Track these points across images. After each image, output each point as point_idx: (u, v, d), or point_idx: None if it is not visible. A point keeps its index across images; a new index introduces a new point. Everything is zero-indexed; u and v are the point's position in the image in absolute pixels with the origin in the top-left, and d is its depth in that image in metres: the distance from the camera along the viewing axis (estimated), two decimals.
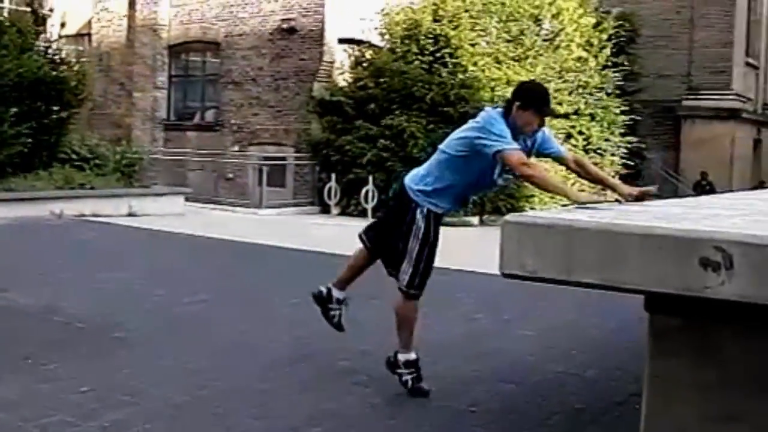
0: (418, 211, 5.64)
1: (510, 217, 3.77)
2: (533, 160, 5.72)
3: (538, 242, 3.64)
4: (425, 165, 5.85)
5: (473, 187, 6.02)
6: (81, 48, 28.48)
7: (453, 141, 5.64)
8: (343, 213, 22.03)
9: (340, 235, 17.03)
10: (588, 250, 3.56)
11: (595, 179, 5.94)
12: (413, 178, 5.78)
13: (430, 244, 5.69)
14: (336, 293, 6.28)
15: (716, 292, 3.28)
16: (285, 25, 23.85)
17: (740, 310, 3.34)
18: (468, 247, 13.00)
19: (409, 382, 5.81)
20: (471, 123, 5.57)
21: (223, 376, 6.02)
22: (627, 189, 5.41)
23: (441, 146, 5.77)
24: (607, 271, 3.53)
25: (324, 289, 6.29)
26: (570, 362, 6.79)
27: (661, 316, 3.79)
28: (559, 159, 5.87)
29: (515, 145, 5.30)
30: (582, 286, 3.63)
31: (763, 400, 3.67)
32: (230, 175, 24.77)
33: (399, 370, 5.85)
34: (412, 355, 5.84)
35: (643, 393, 3.90)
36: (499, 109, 5.52)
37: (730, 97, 28.52)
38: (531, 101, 5.45)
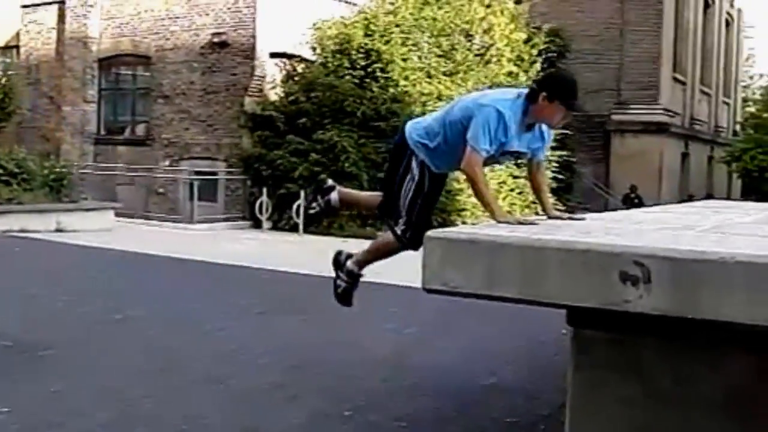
0: (414, 159, 5.45)
1: (432, 232, 3.78)
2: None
3: (460, 258, 3.66)
4: (432, 116, 5.61)
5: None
6: (9, 61, 28.10)
7: (465, 105, 5.25)
8: (275, 228, 21.93)
9: (270, 250, 17.01)
10: (510, 265, 3.59)
11: (535, 189, 5.71)
12: (416, 128, 5.53)
13: (424, 195, 5.47)
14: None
15: (635, 306, 3.32)
16: (216, 39, 23.71)
17: (661, 322, 3.38)
18: (402, 261, 12.99)
19: (341, 288, 5.96)
20: (483, 101, 5.12)
21: (151, 395, 5.94)
22: (555, 214, 5.39)
23: (455, 106, 5.40)
24: (529, 286, 3.56)
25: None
26: (499, 375, 6.82)
27: (583, 330, 3.83)
28: (532, 161, 5.49)
29: (485, 153, 4.95)
30: (505, 301, 3.65)
31: (684, 410, 3.72)
32: (161, 190, 24.54)
33: (340, 273, 5.93)
34: (360, 273, 5.91)
35: (567, 405, 3.93)
36: (520, 100, 5.06)
37: (658, 111, 28.97)
38: (559, 93, 5.03)
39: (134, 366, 6.71)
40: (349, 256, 6.02)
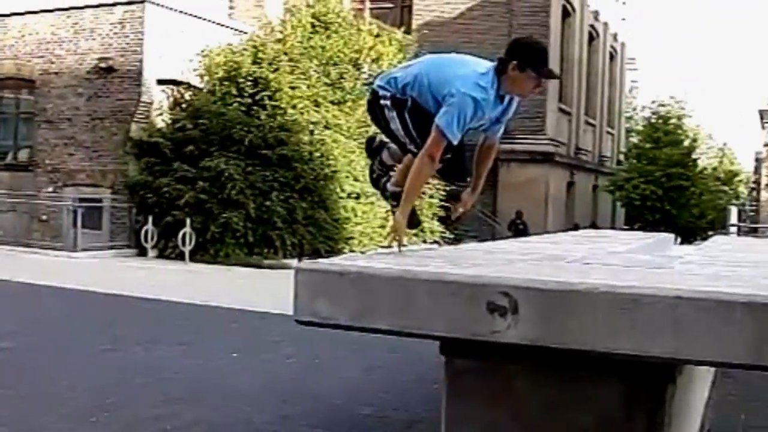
0: (386, 109, 5.06)
1: (302, 264, 3.77)
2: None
3: (331, 289, 3.66)
4: (407, 71, 5.11)
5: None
6: None
7: (441, 79, 4.80)
8: (161, 256, 21.65)
9: (155, 279, 16.78)
10: (380, 296, 3.60)
11: (478, 162, 5.30)
12: (385, 79, 5.14)
13: (410, 115, 4.98)
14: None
15: (504, 336, 3.36)
16: (102, 64, 23.36)
17: (530, 351, 3.41)
18: (288, 290, 12.95)
19: (375, 174, 5.62)
20: (460, 85, 4.68)
21: (28, 428, 5.79)
22: (467, 199, 5.37)
23: (429, 72, 4.96)
24: (399, 317, 3.57)
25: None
26: (379, 405, 6.82)
27: (455, 360, 3.85)
28: (487, 135, 5.20)
29: (450, 139, 4.62)
30: (377, 333, 3.65)
31: None
32: (44, 217, 24.03)
33: (374, 161, 5.62)
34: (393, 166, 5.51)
35: None
36: (492, 74, 4.75)
37: (544, 141, 29.48)
38: (530, 60, 4.71)
39: (11, 398, 6.53)
40: (383, 144, 5.61)
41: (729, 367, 4.21)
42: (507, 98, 4.91)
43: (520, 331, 3.33)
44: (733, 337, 3.09)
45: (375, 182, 5.66)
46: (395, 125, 5.03)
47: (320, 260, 4.02)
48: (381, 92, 5.08)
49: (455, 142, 4.68)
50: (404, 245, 4.89)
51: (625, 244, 6.59)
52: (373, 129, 19.33)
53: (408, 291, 3.54)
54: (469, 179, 5.29)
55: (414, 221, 5.09)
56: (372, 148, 5.68)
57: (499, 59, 4.77)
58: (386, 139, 5.47)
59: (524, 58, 4.69)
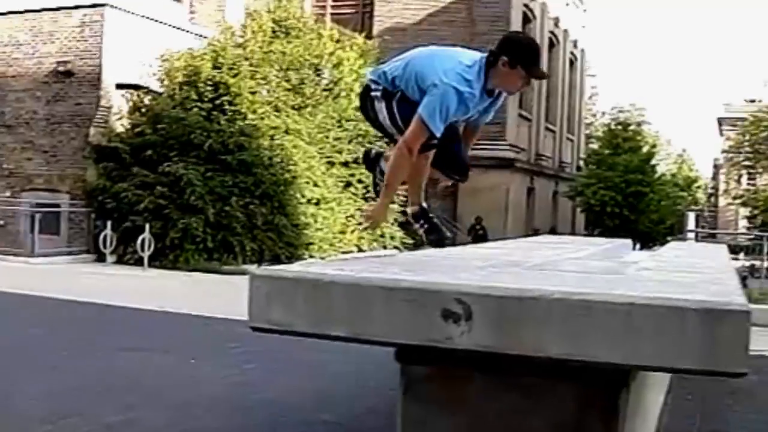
0: (376, 100, 5.05)
1: (257, 270, 3.76)
2: None
3: (287, 296, 3.65)
4: (396, 63, 5.04)
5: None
6: None
7: (425, 72, 4.75)
8: (119, 261, 21.50)
9: (113, 285, 16.66)
10: (335, 303, 3.59)
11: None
12: (376, 73, 5.12)
13: (397, 100, 4.95)
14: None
15: (457, 343, 3.36)
16: (61, 68, 23.18)
17: (485, 357, 3.42)
18: (245, 296, 12.90)
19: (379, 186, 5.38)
20: (445, 77, 4.61)
21: None
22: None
23: (419, 59, 4.93)
24: (355, 324, 3.57)
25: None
26: (339, 411, 6.79)
27: (410, 366, 3.85)
28: (469, 123, 5.18)
29: (437, 133, 4.61)
30: (332, 340, 3.64)
31: None
32: (1, 222, 23.79)
33: (376, 173, 5.47)
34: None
35: None
36: (479, 66, 4.70)
37: (505, 147, 29.58)
38: (522, 58, 4.66)
39: None
40: (379, 154, 5.58)
41: (681, 373, 4.24)
42: (496, 92, 4.89)
43: (474, 338, 3.34)
44: (685, 343, 3.12)
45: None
46: (383, 116, 5.01)
47: (275, 267, 4.01)
48: (372, 86, 5.06)
49: (438, 134, 4.63)
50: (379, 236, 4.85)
51: (582, 250, 6.63)
52: (332, 135, 19.39)
53: (363, 298, 3.53)
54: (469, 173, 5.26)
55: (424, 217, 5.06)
56: (369, 160, 5.63)
57: (490, 52, 4.72)
58: (381, 149, 5.53)
59: (515, 55, 4.64)
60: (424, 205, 5.11)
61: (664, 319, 3.12)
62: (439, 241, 4.98)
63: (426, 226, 5.01)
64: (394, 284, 3.51)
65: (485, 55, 4.74)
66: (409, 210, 5.22)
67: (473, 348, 3.37)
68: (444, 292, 3.39)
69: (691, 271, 4.75)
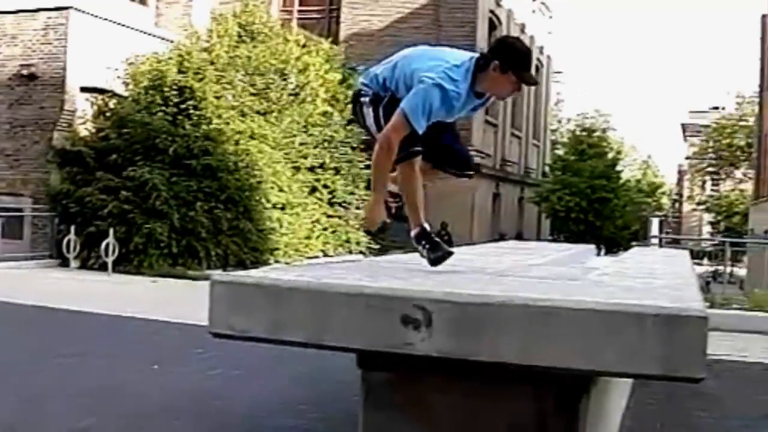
0: (364, 105, 4.98)
1: (218, 276, 3.74)
2: None
3: (246, 302, 3.63)
4: (386, 65, 5.01)
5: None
6: None
7: (413, 69, 4.69)
8: (83, 266, 21.32)
9: (77, 290, 16.55)
10: (296, 309, 3.59)
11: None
12: (369, 77, 5.07)
13: (384, 104, 4.86)
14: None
15: (418, 349, 3.37)
16: (25, 71, 22.98)
17: (445, 363, 3.42)
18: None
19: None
20: (431, 73, 4.57)
21: None
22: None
23: (407, 59, 4.89)
24: (315, 330, 3.57)
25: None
26: (302, 417, 6.77)
27: (371, 372, 3.85)
28: None
29: (419, 129, 4.53)
30: (293, 345, 3.63)
31: None
32: None
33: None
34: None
35: None
36: (468, 68, 4.64)
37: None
38: (514, 63, 4.59)
39: None
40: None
41: (641, 378, 4.27)
42: (486, 95, 4.84)
43: (434, 344, 3.34)
44: (643, 348, 3.13)
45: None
46: (370, 121, 4.95)
47: (236, 272, 4.00)
48: (363, 90, 5.01)
49: (419, 130, 4.55)
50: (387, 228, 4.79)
51: (545, 255, 6.65)
52: (297, 140, 19.36)
53: (323, 303, 3.53)
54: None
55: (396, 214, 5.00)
56: None
57: (482, 55, 4.68)
58: None
59: (507, 60, 4.58)
60: (426, 225, 4.91)
61: (622, 325, 3.14)
62: (440, 259, 4.79)
63: (427, 246, 4.86)
64: (354, 290, 3.50)
65: (476, 56, 4.71)
66: (412, 233, 4.98)
67: (434, 354, 3.38)
68: (404, 298, 3.39)
69: (651, 277, 4.78)
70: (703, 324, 3.16)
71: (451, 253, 4.68)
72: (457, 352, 3.35)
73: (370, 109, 4.94)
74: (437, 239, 4.82)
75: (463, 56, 4.75)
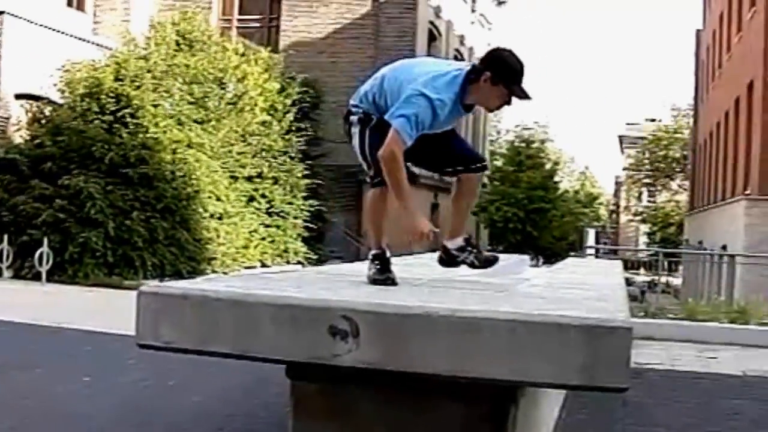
0: (353, 124, 4.91)
1: (145, 287, 3.71)
2: None
3: (173, 313, 3.61)
4: (374, 81, 4.93)
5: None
6: None
7: (400, 82, 4.65)
8: (17, 276, 20.99)
9: (8, 300, 16.29)
10: (223, 320, 3.57)
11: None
12: (358, 96, 4.98)
13: (372, 126, 4.81)
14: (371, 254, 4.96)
15: (344, 360, 3.37)
16: None
17: (373, 374, 3.42)
18: None
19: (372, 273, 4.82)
20: (416, 85, 4.52)
21: None
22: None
23: (394, 71, 4.83)
24: (242, 341, 3.55)
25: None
26: (232, 428, 6.73)
27: (300, 383, 3.84)
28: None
29: (409, 141, 4.49)
30: (221, 357, 3.61)
31: None
32: None
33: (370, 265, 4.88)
34: (382, 249, 4.91)
35: None
36: (459, 78, 4.57)
37: (408, 163, 29.70)
38: (507, 75, 4.49)
39: None
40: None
41: (565, 389, 4.30)
42: (475, 108, 4.79)
43: (361, 355, 3.34)
44: (567, 359, 3.16)
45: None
46: (355, 141, 4.91)
47: (163, 283, 3.96)
48: (354, 110, 4.95)
49: (409, 142, 4.50)
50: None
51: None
52: (236, 149, 19.22)
53: (251, 315, 3.51)
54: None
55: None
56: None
57: (473, 67, 4.61)
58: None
59: (499, 72, 4.50)
60: (385, 248, 4.89)
61: (546, 336, 3.17)
62: (381, 282, 4.51)
63: (378, 267, 4.70)
64: (281, 301, 3.49)
65: (466, 68, 4.63)
66: (371, 252, 4.90)
67: (361, 365, 3.37)
68: (331, 309, 3.39)
69: (580, 288, 4.82)
70: (627, 335, 3.19)
71: (393, 282, 4.54)
72: (383, 363, 3.35)
73: (357, 129, 4.88)
74: (388, 265, 4.74)
75: (449, 67, 4.70)
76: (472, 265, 4.75)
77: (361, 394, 3.73)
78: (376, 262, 4.74)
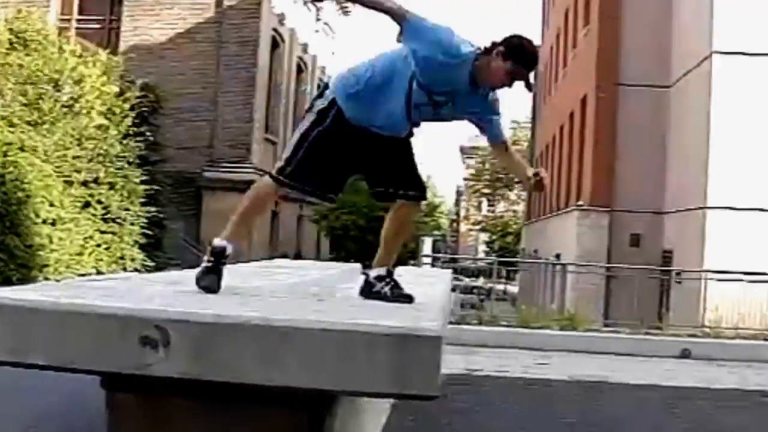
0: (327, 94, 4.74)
1: None
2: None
3: None
4: (365, 64, 4.78)
5: (381, 104, 4.67)
6: None
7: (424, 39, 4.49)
8: None
9: None
10: (35, 330, 3.49)
11: (512, 166, 5.31)
12: (343, 77, 4.80)
13: (322, 130, 4.70)
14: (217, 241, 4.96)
15: (157, 370, 3.34)
16: None
17: (189, 384, 3.40)
18: None
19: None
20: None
21: None
22: (530, 174, 4.88)
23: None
24: (55, 352, 3.49)
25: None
26: None
27: (115, 393, 3.78)
28: (496, 144, 5.17)
29: (407, 17, 4.42)
30: (36, 368, 3.53)
31: None
32: None
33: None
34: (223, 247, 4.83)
35: None
36: (473, 45, 4.51)
37: (249, 170, 29.61)
38: (517, 55, 4.44)
39: None
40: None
41: (378, 397, 4.34)
42: (482, 91, 4.66)
43: (173, 365, 3.32)
44: (375, 367, 3.20)
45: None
46: (304, 123, 4.78)
47: None
48: (326, 92, 4.78)
49: (412, 20, 4.43)
50: None
51: (303, 275, 6.69)
52: (71, 153, 18.66)
53: (62, 324, 3.44)
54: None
55: None
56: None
57: (490, 44, 4.51)
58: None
59: (513, 50, 4.44)
60: (227, 245, 4.87)
61: (355, 345, 3.20)
62: (206, 288, 4.38)
63: (209, 266, 4.59)
64: (92, 310, 3.44)
65: (475, 49, 4.52)
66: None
67: (173, 375, 3.35)
68: (143, 318, 3.35)
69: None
70: (437, 343, 3.24)
71: (211, 290, 4.47)
72: (196, 373, 3.34)
73: (310, 119, 4.77)
74: (220, 267, 4.62)
75: (459, 40, 4.55)
76: (384, 297, 4.63)
77: (177, 404, 3.69)
78: (212, 258, 4.63)
